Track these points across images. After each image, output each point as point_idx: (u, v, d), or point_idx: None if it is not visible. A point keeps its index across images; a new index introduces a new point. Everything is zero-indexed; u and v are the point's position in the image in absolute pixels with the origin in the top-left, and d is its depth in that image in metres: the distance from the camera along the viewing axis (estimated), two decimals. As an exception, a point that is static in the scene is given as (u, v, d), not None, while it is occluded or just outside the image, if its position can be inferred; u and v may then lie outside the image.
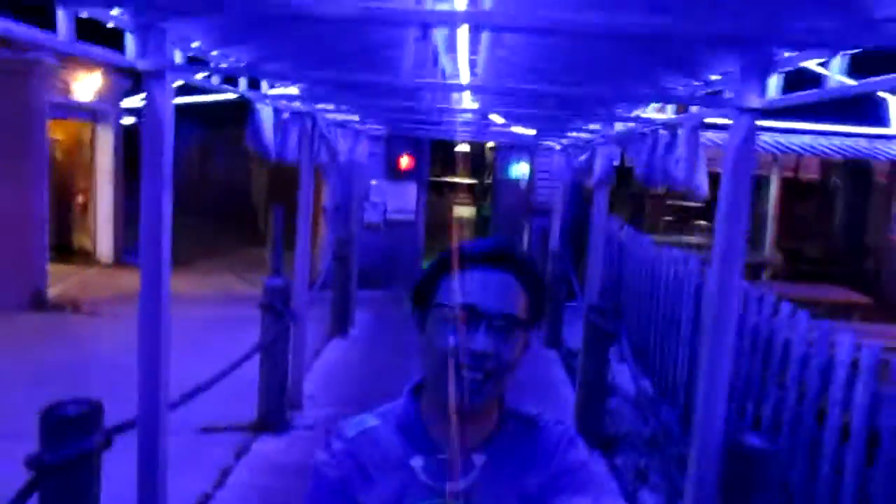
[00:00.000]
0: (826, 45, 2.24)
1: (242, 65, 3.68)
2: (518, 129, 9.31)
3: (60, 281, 9.47)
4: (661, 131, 3.88)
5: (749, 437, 2.55)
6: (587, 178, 5.87)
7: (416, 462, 1.13)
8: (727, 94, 3.17)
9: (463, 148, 22.92)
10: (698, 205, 18.66)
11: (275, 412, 5.02)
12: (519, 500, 1.12)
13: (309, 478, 1.19)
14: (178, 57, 3.00)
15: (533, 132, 9.10)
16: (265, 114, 4.09)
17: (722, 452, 2.63)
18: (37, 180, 8.58)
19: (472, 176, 23.03)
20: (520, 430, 1.19)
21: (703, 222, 17.20)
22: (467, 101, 6.85)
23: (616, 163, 5.61)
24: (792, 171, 13.30)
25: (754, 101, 2.50)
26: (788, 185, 13.21)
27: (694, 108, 3.71)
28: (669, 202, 18.44)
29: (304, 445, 4.88)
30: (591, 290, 5.44)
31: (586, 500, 1.11)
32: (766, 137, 10.27)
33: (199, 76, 3.38)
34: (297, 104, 4.99)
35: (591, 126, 6.01)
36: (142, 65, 2.61)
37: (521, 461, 1.16)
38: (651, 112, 4.55)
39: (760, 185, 13.03)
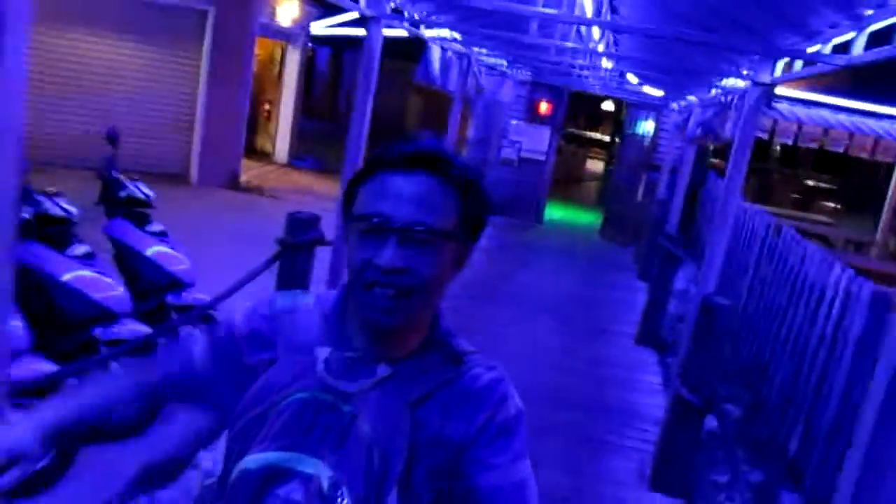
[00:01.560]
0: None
1: (423, 14, 5.22)
2: (648, 90, 10.43)
3: (246, 171, 11.64)
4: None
5: (716, 297, 3.88)
6: (696, 137, 7.03)
7: (321, 353, 1.05)
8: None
9: (607, 106, 23.76)
10: (826, 186, 18.83)
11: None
12: (416, 430, 1.03)
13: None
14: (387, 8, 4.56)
15: (661, 93, 10.21)
16: (435, 53, 5.63)
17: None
18: (243, 87, 10.65)
19: (612, 135, 23.81)
20: (442, 362, 1.10)
21: (830, 203, 17.47)
22: (605, 61, 8.08)
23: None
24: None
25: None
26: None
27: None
28: (798, 180, 18.70)
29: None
30: (672, 218, 6.70)
31: (504, 459, 1.05)
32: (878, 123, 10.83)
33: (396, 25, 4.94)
34: (458, 46, 6.51)
35: (713, 88, 7.14)
36: (368, 12, 4.17)
37: (437, 393, 1.07)
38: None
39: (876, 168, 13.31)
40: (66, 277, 3.42)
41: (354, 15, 12.50)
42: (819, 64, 3.28)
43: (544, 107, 12.33)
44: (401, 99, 19.43)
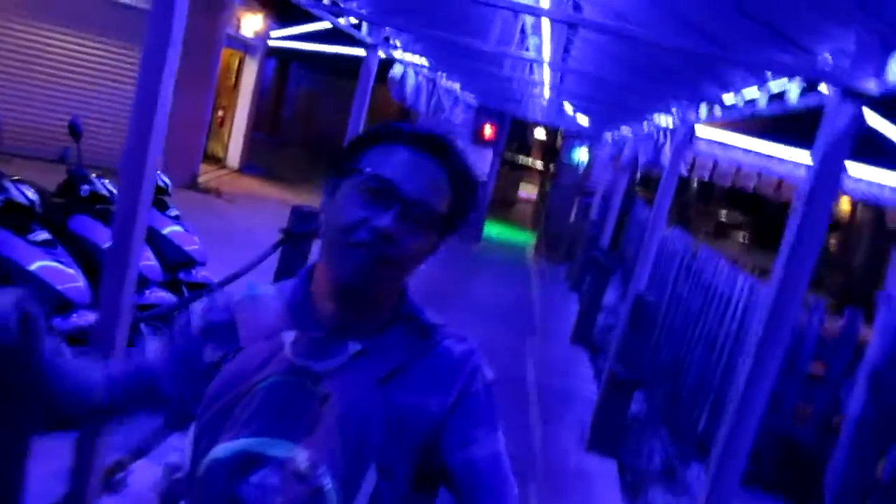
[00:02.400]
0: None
1: (404, 42, 5.97)
2: (582, 120, 11.46)
3: (202, 174, 12.08)
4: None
5: (646, 294, 4.75)
6: (627, 167, 7.98)
7: (287, 337, 1.04)
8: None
9: (539, 135, 25.02)
10: (738, 220, 20.46)
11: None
12: (391, 405, 1.02)
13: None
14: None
15: (590, 124, 11.25)
16: (410, 78, 6.39)
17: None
18: (207, 93, 11.14)
19: (543, 162, 25.05)
20: (412, 336, 1.10)
21: (741, 235, 19.06)
22: (546, 90, 9.01)
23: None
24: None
25: (869, 85, 2.13)
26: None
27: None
28: (712, 214, 20.26)
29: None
30: (604, 236, 7.63)
31: (478, 433, 1.06)
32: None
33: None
34: (425, 71, 7.29)
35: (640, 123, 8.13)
36: (368, 39, 4.89)
37: (409, 368, 1.07)
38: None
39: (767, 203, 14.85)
40: (33, 267, 3.56)
41: (306, 28, 13.13)
42: (733, 108, 4.21)
43: (488, 131, 13.25)
44: (346, 115, 20.06)
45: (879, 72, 2.16)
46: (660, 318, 6.91)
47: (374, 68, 4.98)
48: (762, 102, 3.29)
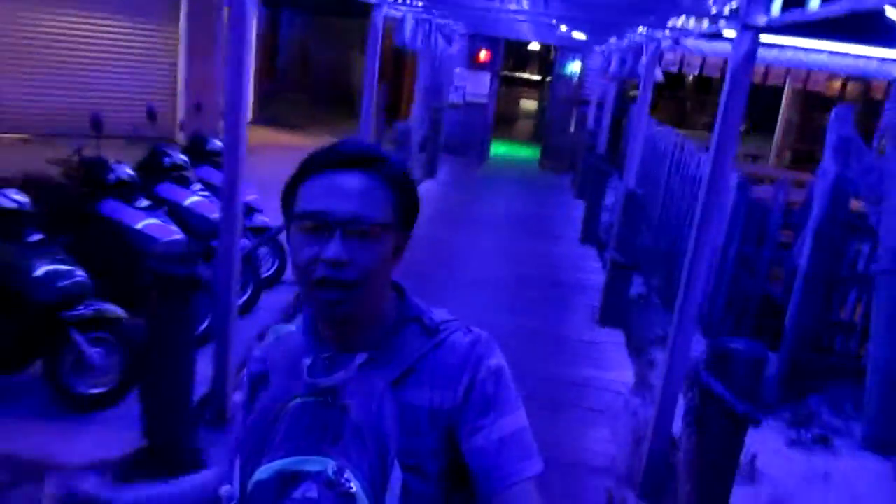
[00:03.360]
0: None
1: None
2: (575, 34, 12.07)
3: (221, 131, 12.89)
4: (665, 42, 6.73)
5: (636, 188, 5.63)
6: (617, 76, 8.70)
7: (305, 362, 1.11)
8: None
9: (534, 47, 25.33)
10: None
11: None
12: (405, 410, 1.09)
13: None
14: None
15: (584, 37, 11.87)
16: (408, 22, 7.13)
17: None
18: (217, 54, 11.86)
19: (540, 74, 25.41)
20: (418, 337, 1.15)
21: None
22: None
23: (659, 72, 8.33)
24: (802, 83, 15.55)
25: (759, 19, 2.95)
26: (808, 97, 15.49)
27: (705, 23, 5.86)
28: (709, 105, 20.80)
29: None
30: (600, 143, 8.45)
31: (489, 419, 1.10)
32: (778, 53, 12.79)
33: None
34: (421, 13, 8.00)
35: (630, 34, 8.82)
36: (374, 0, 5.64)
37: (419, 369, 1.12)
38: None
39: (775, 93, 15.47)
40: (140, 225, 4.37)
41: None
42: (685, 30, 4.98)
43: (483, 54, 13.88)
44: (346, 57, 20.57)
45: (766, 10, 2.99)
46: (656, 211, 7.81)
47: (381, 25, 5.75)
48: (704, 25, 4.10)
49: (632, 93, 13.95)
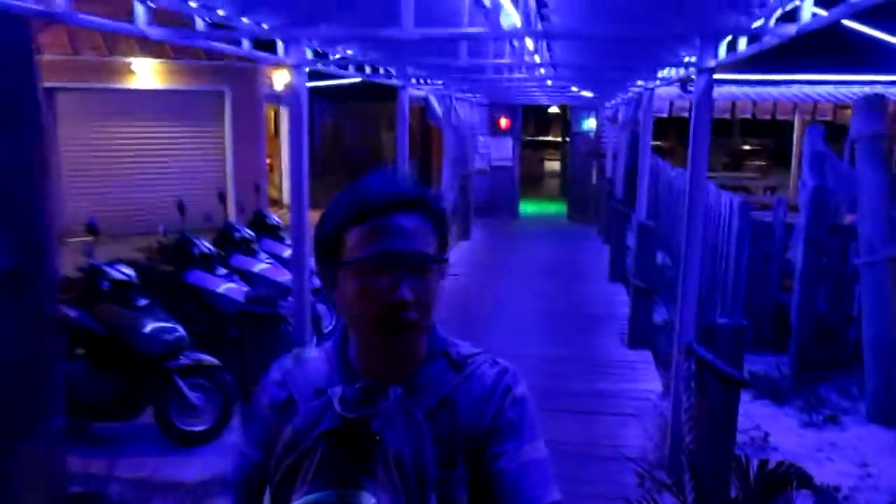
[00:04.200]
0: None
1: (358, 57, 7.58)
2: (584, 93, 12.96)
3: (269, 215, 13.93)
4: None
5: (646, 221, 6.30)
6: (626, 126, 9.51)
7: (335, 392, 1.10)
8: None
9: (554, 110, 26.43)
10: (754, 147, 21.62)
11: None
12: (439, 439, 1.10)
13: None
14: (309, 54, 6.74)
15: (592, 94, 12.74)
16: (433, 100, 8.03)
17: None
18: (260, 146, 13.00)
19: (561, 135, 26.40)
20: (448, 370, 1.17)
21: (757, 162, 20.23)
22: (542, 71, 10.54)
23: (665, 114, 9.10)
24: (810, 114, 16.16)
25: (709, 63, 3.65)
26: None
27: (672, 72, 6.80)
28: (730, 145, 21.45)
29: (451, 290, 8.90)
30: (618, 188, 9.16)
31: (512, 445, 1.12)
32: (784, 89, 13.52)
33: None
34: (441, 90, 8.93)
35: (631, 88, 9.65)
36: (289, 61, 6.45)
37: (448, 401, 1.15)
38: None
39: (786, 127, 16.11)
40: (221, 289, 5.39)
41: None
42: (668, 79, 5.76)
43: (504, 122, 14.85)
44: (375, 136, 21.88)
45: (714, 56, 3.73)
46: (674, 243, 8.43)
47: (406, 104, 6.61)
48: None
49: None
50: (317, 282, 6.46)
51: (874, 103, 4.59)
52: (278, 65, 14.23)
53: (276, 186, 16.11)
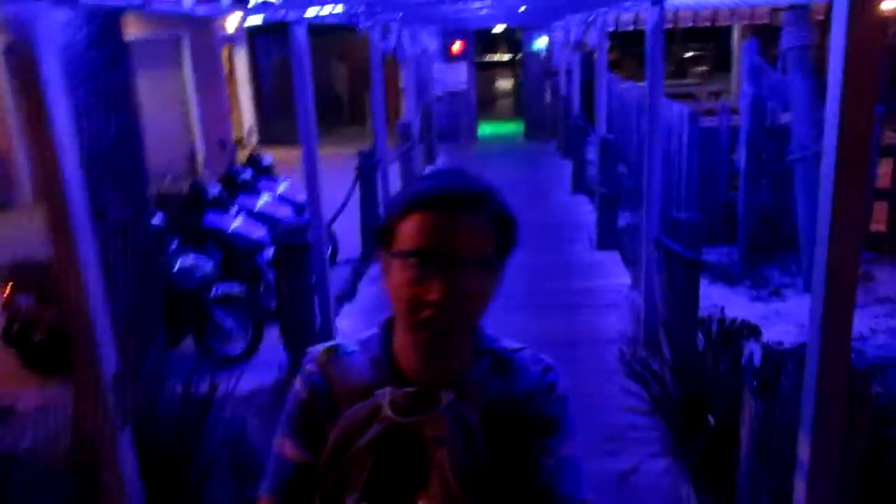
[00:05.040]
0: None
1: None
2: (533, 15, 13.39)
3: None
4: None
5: (607, 135, 6.97)
6: (578, 45, 10.05)
7: (383, 393, 1.09)
8: None
9: (498, 29, 26.62)
10: (696, 53, 22.30)
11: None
12: (488, 440, 1.10)
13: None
14: None
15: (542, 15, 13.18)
16: (393, 33, 8.45)
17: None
18: (221, 90, 13.21)
19: (510, 52, 26.69)
20: (495, 369, 1.16)
21: (700, 68, 20.97)
22: None
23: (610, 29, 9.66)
24: (748, 19, 16.82)
25: None
26: (757, 31, 16.72)
27: None
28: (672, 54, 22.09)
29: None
30: (575, 105, 9.79)
31: (552, 441, 1.12)
32: None
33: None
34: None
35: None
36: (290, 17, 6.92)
37: (494, 402, 1.13)
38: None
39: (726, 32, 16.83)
40: (232, 227, 5.92)
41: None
42: None
43: (457, 46, 15.22)
44: (326, 70, 21.91)
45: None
46: (631, 153, 9.17)
47: (379, 45, 7.05)
48: None
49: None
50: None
51: (801, 17, 5.25)
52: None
53: (239, 126, 16.31)
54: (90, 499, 2.58)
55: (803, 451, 2.24)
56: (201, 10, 4.03)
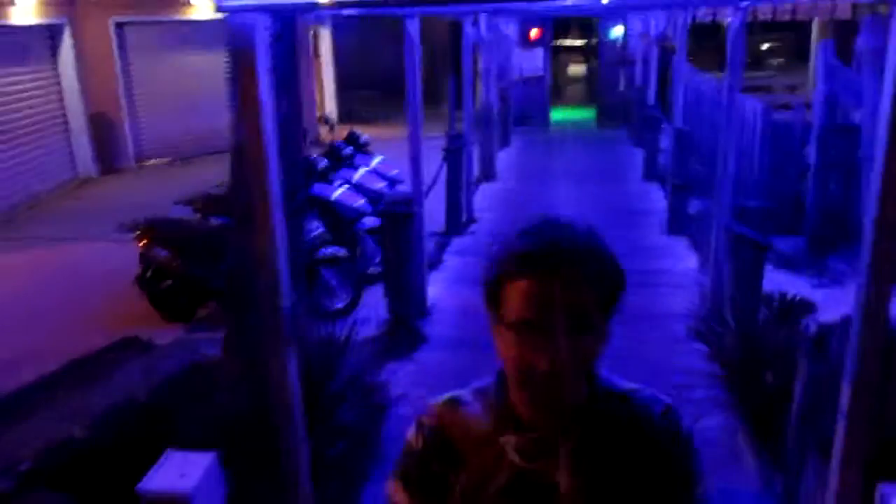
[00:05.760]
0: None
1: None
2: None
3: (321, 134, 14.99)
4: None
5: (682, 127, 7.37)
6: (658, 38, 10.39)
7: (507, 441, 1.10)
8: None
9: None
10: (773, 45, 22.11)
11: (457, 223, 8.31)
12: (614, 480, 1.10)
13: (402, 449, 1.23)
14: None
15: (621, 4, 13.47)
16: (482, 24, 8.96)
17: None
18: (310, 68, 13.95)
19: (583, 38, 26.80)
20: (613, 408, 1.15)
21: (777, 60, 20.85)
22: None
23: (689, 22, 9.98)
24: (829, 13, 16.63)
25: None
26: (838, 26, 16.55)
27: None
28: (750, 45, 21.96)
29: (477, 238, 9.92)
30: (650, 95, 10.15)
31: (675, 489, 1.12)
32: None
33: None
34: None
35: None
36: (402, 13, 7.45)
37: (616, 441, 1.12)
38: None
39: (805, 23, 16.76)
40: (335, 196, 6.64)
41: None
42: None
43: (534, 33, 15.62)
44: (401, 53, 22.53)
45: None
46: (703, 143, 9.50)
47: (471, 36, 7.57)
48: None
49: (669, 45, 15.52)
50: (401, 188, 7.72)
51: (878, 21, 5.56)
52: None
53: (320, 105, 17.08)
54: (252, 403, 3.24)
55: (844, 400, 2.72)
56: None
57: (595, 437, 1.12)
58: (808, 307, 3.89)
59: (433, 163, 7.59)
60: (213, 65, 13.98)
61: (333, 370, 3.69)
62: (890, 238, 2.48)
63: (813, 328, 3.34)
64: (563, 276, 1.04)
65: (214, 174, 7.43)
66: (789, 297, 4.14)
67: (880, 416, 2.74)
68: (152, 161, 12.82)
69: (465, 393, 1.22)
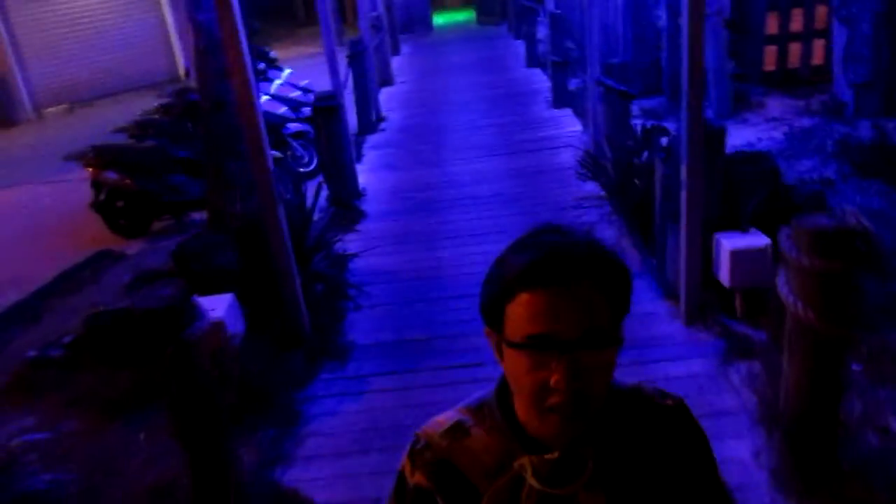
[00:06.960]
0: None
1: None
2: None
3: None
4: None
5: (556, 10, 8.37)
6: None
7: (523, 464, 1.03)
8: None
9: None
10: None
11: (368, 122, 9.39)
12: (636, 484, 1.06)
13: (394, 483, 1.16)
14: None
15: None
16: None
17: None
18: None
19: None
20: (626, 409, 1.10)
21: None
22: None
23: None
24: None
25: None
26: None
27: None
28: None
29: (388, 135, 10.86)
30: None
31: (692, 475, 1.11)
32: None
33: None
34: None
35: None
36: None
37: (633, 443, 1.08)
38: None
39: None
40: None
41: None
42: None
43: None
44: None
45: None
46: (576, 27, 10.58)
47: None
48: None
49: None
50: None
51: None
52: None
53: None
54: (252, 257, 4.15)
55: (683, 178, 3.87)
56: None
57: (616, 444, 1.07)
58: (662, 130, 5.03)
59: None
60: (101, 2, 13.93)
61: (307, 227, 4.61)
62: (699, 78, 3.60)
63: (665, 142, 4.50)
64: (569, 282, 0.97)
65: (118, 114, 7.99)
66: (649, 125, 5.28)
67: (708, 188, 3.90)
68: (51, 108, 12.84)
69: (461, 417, 1.13)
